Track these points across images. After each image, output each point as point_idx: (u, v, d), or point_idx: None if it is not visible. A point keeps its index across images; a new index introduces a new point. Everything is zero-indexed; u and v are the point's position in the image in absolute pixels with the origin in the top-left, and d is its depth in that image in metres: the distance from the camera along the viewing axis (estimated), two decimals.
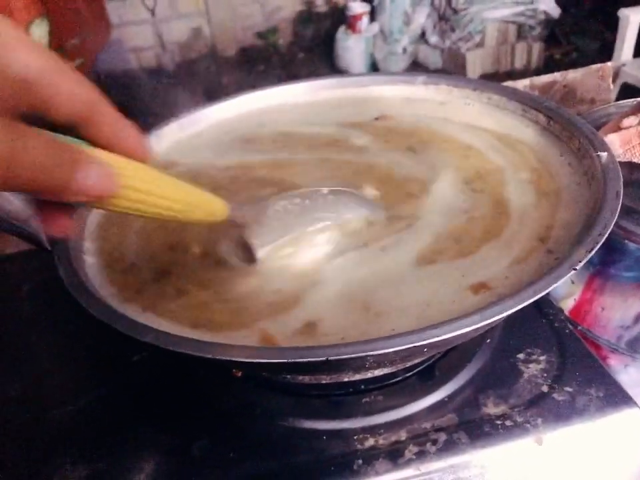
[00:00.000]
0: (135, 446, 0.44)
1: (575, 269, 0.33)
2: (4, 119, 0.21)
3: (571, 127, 0.49)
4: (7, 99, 0.22)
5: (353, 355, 0.29)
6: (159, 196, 0.29)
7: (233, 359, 0.30)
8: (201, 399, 0.47)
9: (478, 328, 0.31)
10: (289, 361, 0.29)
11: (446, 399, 0.44)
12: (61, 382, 0.50)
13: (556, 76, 0.76)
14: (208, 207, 0.34)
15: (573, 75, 0.76)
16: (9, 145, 0.21)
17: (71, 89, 0.24)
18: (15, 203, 0.42)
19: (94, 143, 0.26)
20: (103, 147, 0.27)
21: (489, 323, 0.31)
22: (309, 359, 0.29)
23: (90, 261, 0.44)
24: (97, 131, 0.26)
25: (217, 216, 0.35)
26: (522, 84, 0.75)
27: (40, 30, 1.92)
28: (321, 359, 0.29)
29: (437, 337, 0.29)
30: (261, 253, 0.40)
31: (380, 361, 0.34)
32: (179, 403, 0.47)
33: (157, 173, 0.30)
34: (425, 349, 0.33)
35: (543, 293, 0.32)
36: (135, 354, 0.51)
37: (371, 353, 0.29)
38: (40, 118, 0.24)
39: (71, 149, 0.24)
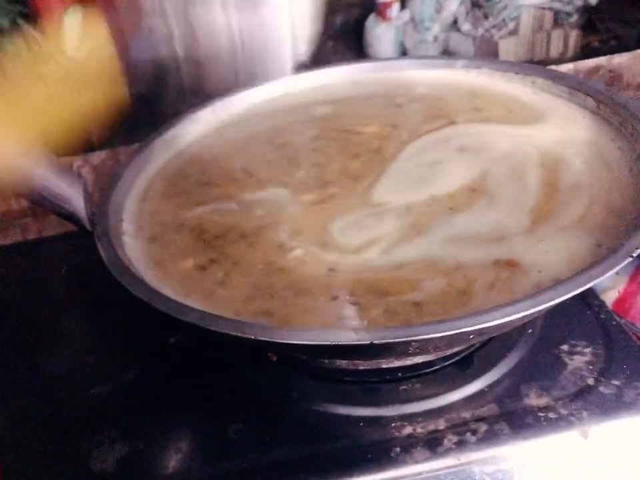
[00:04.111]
0: (172, 426, 0.44)
1: (632, 256, 0.32)
2: None
3: (622, 110, 0.47)
4: None
5: (398, 340, 0.28)
6: None
7: (275, 340, 0.30)
8: (237, 382, 0.47)
9: (531, 313, 0.30)
10: (332, 343, 0.29)
11: (486, 389, 0.43)
12: (99, 362, 0.51)
13: (601, 60, 0.73)
14: None
15: (618, 59, 0.73)
16: None
17: None
18: (56, 182, 0.42)
19: None
20: None
21: (541, 309, 0.30)
22: (352, 342, 0.29)
23: (129, 242, 0.44)
24: None
25: None
26: (566, 68, 0.72)
27: (73, 19, 1.95)
28: (365, 342, 0.28)
29: (487, 322, 0.28)
30: None
31: (424, 347, 0.33)
32: (216, 385, 0.47)
33: None
34: (472, 335, 0.32)
35: (598, 280, 0.31)
36: (171, 336, 0.51)
37: (416, 337, 0.28)
38: None
39: None
